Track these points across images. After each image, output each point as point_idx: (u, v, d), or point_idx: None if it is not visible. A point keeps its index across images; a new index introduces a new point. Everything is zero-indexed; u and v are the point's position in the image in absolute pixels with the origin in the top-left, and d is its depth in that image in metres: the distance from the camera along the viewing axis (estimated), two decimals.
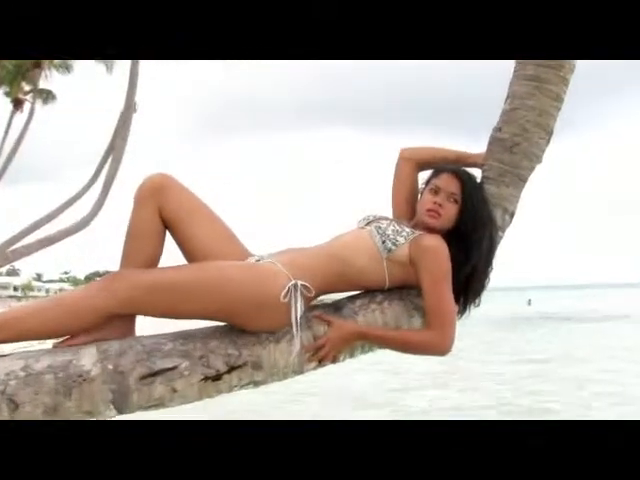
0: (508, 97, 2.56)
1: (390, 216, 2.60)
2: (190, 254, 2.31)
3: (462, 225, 2.41)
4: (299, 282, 2.21)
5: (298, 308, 2.21)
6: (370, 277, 2.36)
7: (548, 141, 2.62)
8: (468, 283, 2.39)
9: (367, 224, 2.50)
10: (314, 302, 2.33)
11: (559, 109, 2.62)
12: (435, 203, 2.40)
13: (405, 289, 2.41)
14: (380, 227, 2.38)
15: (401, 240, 2.33)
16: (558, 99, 2.57)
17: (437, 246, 2.31)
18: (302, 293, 2.21)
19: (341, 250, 2.37)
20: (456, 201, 2.42)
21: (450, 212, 2.40)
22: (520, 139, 2.52)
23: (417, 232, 2.38)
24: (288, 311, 2.20)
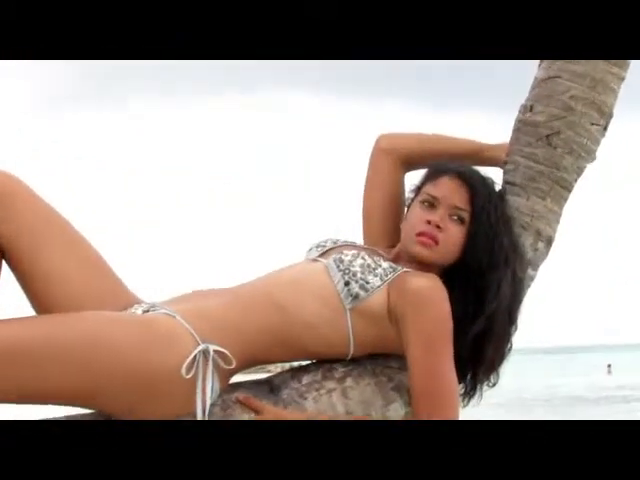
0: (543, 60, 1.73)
1: (359, 242, 1.86)
2: (41, 298, 1.56)
3: (471, 258, 1.67)
4: (211, 346, 1.52)
5: (208, 388, 1.51)
6: (325, 338, 1.63)
7: (605, 128, 1.73)
8: (479, 349, 1.65)
9: (322, 254, 1.75)
10: (236, 378, 1.65)
11: (622, 79, 1.70)
12: (430, 223, 1.66)
13: (380, 358, 1.69)
14: (343, 260, 1.64)
15: (375, 281, 1.61)
16: (621, 65, 1.69)
17: (431, 291, 1.61)
18: (216, 364, 1.53)
19: (280, 295, 1.63)
20: (462, 220, 1.67)
21: (453, 237, 1.67)
22: (561, 124, 1.67)
23: (400, 268, 1.66)
24: (193, 392, 1.51)
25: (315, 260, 1.70)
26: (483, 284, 1.63)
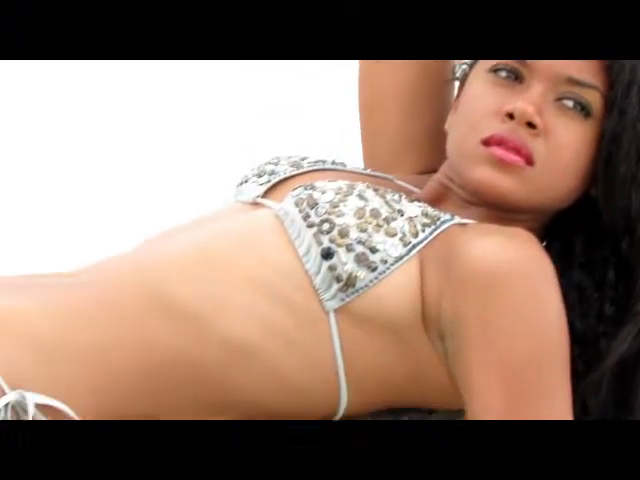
0: None
1: (356, 165, 0.98)
2: None
3: (608, 196, 0.85)
4: (32, 396, 0.76)
5: None
6: (284, 382, 0.82)
7: None
8: (626, 388, 0.83)
9: (269, 191, 0.91)
10: None
11: None
12: (513, 117, 0.82)
13: (407, 419, 0.86)
14: (316, 202, 0.83)
15: (391, 248, 0.80)
16: None
17: (521, 268, 0.79)
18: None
19: (186, 294, 0.81)
20: (586, 110, 0.84)
21: (566, 148, 0.84)
22: None
23: (448, 218, 0.84)
24: None
25: (255, 205, 0.89)
26: (634, 254, 0.83)
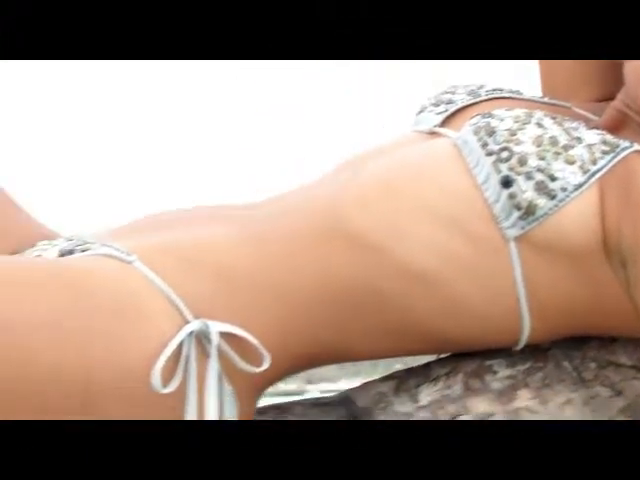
0: None
1: (531, 94, 0.95)
2: None
3: None
4: (215, 325, 0.75)
5: (211, 415, 0.74)
6: (467, 308, 0.82)
7: None
8: None
9: (447, 121, 0.91)
10: (275, 387, 0.83)
11: None
12: None
13: (590, 348, 0.85)
14: (494, 130, 0.82)
15: (571, 175, 0.79)
16: None
17: None
18: (227, 364, 0.76)
19: (366, 222, 0.82)
20: None
21: None
22: None
23: (629, 145, 0.82)
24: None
25: (433, 135, 0.88)
26: None
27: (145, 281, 0.77)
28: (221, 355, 0.77)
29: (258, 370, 0.77)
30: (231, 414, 0.78)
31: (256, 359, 0.78)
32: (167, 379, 0.73)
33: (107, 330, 0.74)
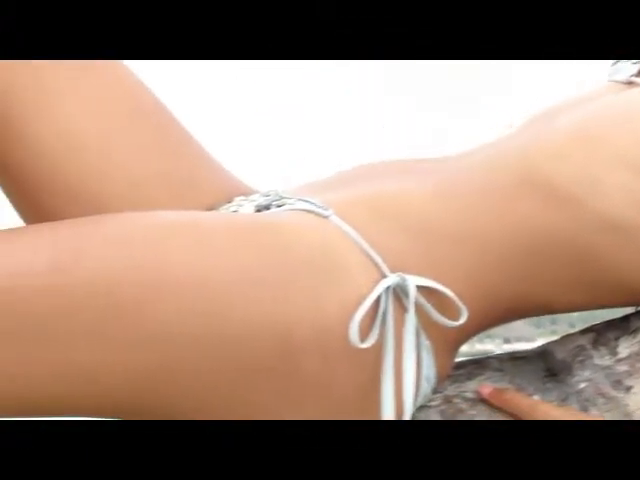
0: None
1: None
2: (43, 189, 0.79)
3: None
4: (413, 279, 0.75)
5: (409, 373, 0.74)
6: None
7: None
8: None
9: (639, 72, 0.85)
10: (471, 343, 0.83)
11: None
12: None
13: None
14: None
15: None
16: None
17: None
18: (425, 319, 0.76)
19: (559, 173, 0.79)
20: None
21: None
22: None
23: None
24: (375, 380, 0.73)
25: (630, 84, 0.86)
26: None
27: (342, 235, 0.77)
28: (418, 309, 0.76)
29: (457, 324, 0.77)
30: (428, 369, 0.78)
31: (453, 313, 0.77)
32: (364, 334, 0.72)
33: (306, 285, 0.74)
